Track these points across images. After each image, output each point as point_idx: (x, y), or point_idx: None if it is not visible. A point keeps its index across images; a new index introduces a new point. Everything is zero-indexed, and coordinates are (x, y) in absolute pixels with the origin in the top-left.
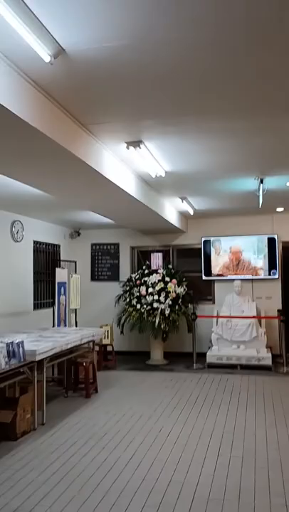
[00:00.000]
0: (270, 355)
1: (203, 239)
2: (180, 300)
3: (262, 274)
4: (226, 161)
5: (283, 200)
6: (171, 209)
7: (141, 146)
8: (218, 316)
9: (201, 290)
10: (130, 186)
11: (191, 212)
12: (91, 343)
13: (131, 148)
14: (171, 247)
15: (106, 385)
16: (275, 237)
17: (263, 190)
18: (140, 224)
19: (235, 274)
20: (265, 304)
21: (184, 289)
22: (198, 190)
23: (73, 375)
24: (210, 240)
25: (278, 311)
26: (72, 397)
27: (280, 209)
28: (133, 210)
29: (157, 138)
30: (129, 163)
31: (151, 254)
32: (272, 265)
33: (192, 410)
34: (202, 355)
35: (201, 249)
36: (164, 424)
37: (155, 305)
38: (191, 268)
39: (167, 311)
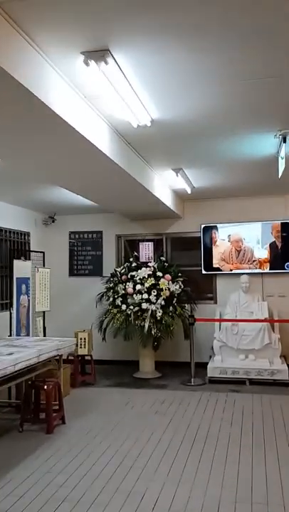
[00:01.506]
0: (286, 367)
1: (202, 226)
2: (175, 299)
3: (273, 268)
4: (235, 106)
5: None
6: (164, 187)
7: (108, 60)
8: (221, 320)
9: (200, 287)
10: (101, 140)
11: (189, 191)
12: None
13: (92, 63)
14: (165, 236)
15: (78, 411)
16: None
17: (287, 154)
18: (126, 207)
19: (242, 267)
20: (278, 303)
21: (180, 286)
22: (198, 157)
23: (33, 401)
24: (211, 227)
25: None
26: (30, 431)
27: None
28: (111, 181)
29: (131, 49)
30: (94, 102)
31: (140, 244)
32: (287, 256)
33: (190, 455)
34: (202, 366)
35: (200, 238)
36: (148, 482)
37: (144, 306)
38: (189, 261)
39: (159, 313)
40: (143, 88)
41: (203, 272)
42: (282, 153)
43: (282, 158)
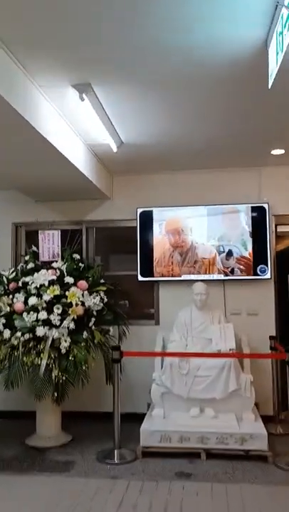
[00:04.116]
0: (264, 430)
1: (139, 210)
2: (92, 320)
3: (241, 272)
4: None
5: None
6: (70, 135)
7: None
8: (162, 354)
9: (135, 300)
10: None
11: (115, 148)
12: None
13: None
14: (85, 225)
15: None
16: (266, 207)
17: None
18: (18, 174)
19: (196, 272)
20: (247, 325)
21: (102, 299)
22: (121, 56)
23: None
24: (152, 213)
25: (271, 338)
26: None
27: (277, 151)
28: None
29: None
30: None
31: (41, 235)
32: (260, 257)
33: None
34: (136, 419)
35: (136, 228)
36: None
37: (41, 331)
38: (120, 262)
39: (65, 344)
40: None
41: (140, 278)
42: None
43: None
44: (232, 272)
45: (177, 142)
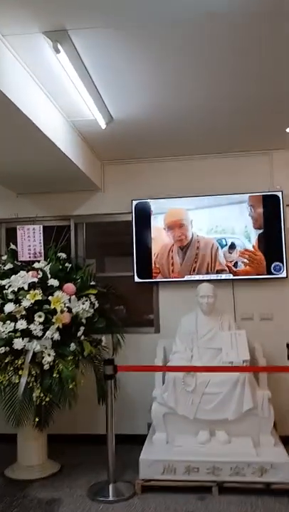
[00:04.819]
0: (287, 457)
1: (134, 203)
2: (81, 330)
3: (245, 266)
4: None
5: None
6: (48, 106)
7: None
8: (164, 368)
9: (132, 304)
10: None
11: (103, 124)
12: None
13: None
14: (73, 221)
15: None
16: (279, 196)
17: None
18: None
19: (198, 269)
20: (261, 331)
21: (92, 304)
22: None
23: None
24: (149, 205)
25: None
26: None
27: None
28: None
29: None
30: None
31: (19, 231)
32: (273, 253)
33: None
34: (136, 441)
35: (131, 223)
36: None
37: (19, 344)
38: (115, 262)
39: (49, 357)
40: None
41: (137, 279)
42: None
43: None
44: (235, 265)
45: (177, 119)
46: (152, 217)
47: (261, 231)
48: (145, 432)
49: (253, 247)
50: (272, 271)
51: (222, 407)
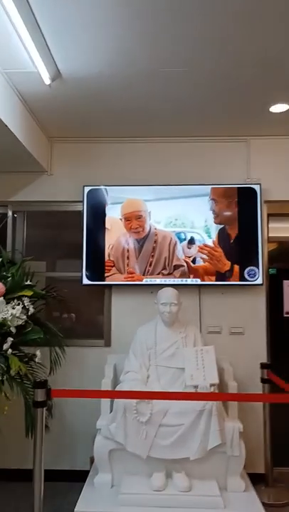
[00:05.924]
0: (261, 507)
1: (86, 189)
2: (9, 340)
3: (222, 278)
4: None
5: None
6: None
7: None
8: (111, 394)
9: (79, 311)
10: None
11: (47, 79)
12: None
13: None
14: (11, 209)
15: None
16: (257, 189)
17: None
18: None
19: (163, 275)
20: (229, 347)
21: (25, 308)
22: None
23: None
24: (103, 193)
25: (263, 367)
26: None
27: (277, 108)
28: None
29: None
30: None
31: None
32: (247, 256)
33: None
34: (73, 479)
35: (82, 214)
36: None
37: None
38: (62, 260)
39: None
40: None
41: (85, 281)
42: None
43: None
44: (194, 261)
45: (138, 87)
46: (107, 207)
47: (222, 226)
48: (87, 468)
49: (213, 242)
50: (246, 277)
51: (183, 443)
